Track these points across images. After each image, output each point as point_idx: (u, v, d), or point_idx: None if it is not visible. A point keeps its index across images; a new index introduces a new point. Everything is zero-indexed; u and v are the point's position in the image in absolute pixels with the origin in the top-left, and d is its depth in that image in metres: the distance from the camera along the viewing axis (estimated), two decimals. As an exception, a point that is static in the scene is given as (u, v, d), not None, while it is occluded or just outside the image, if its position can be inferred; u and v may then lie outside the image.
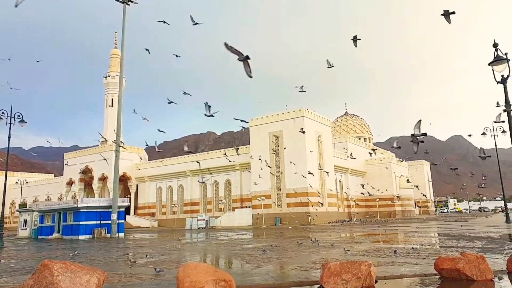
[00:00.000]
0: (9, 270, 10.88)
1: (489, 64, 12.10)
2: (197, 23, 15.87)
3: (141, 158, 60.28)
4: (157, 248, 18.06)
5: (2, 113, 22.90)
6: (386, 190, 63.23)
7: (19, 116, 23.75)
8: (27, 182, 77.47)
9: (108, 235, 31.94)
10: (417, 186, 56.54)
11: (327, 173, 50.07)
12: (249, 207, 51.82)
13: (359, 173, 66.65)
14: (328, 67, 16.26)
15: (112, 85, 69.48)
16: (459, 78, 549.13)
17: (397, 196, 58.15)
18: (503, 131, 30.49)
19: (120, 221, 33.57)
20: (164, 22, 23.11)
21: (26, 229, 38.18)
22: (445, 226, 29.34)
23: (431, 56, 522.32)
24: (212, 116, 15.46)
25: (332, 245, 15.89)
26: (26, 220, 38.50)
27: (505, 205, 37.66)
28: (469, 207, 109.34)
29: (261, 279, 7.93)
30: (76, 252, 16.57)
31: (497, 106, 15.32)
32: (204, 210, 58.14)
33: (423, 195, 69.59)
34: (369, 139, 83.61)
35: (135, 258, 13.35)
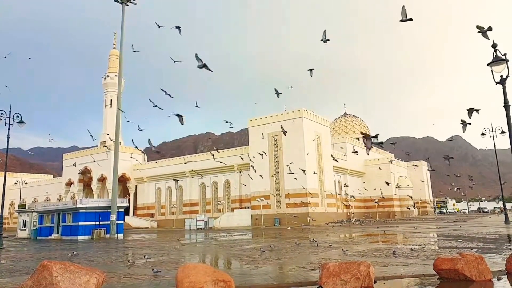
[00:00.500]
0: (8, 271, 10.87)
1: (488, 65, 12.11)
2: (204, 65, 15.76)
3: (132, 157, 59.83)
4: (156, 248, 18.06)
5: (1, 113, 22.90)
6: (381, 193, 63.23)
7: (18, 116, 23.75)
8: (26, 183, 77.38)
9: (107, 235, 31.92)
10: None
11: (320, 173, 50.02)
12: (248, 207, 51.83)
13: (358, 174, 66.70)
14: (322, 40, 16.21)
15: (111, 85, 69.40)
16: (459, 79, 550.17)
17: (377, 202, 58.23)
18: (502, 132, 30.57)
19: (119, 222, 33.57)
20: (159, 26, 23.18)
21: (25, 229, 38.16)
22: (444, 227, 29.39)
23: (431, 57, 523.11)
24: (206, 67, 15.12)
25: (330, 245, 15.91)
26: (25, 220, 38.49)
27: (504, 205, 37.76)
28: (468, 207, 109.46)
29: (260, 280, 7.94)
30: (74, 252, 16.56)
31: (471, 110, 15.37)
32: (203, 211, 58.12)
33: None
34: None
35: (134, 258, 13.35)
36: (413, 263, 9.78)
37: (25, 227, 38.33)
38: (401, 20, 13.11)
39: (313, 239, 19.25)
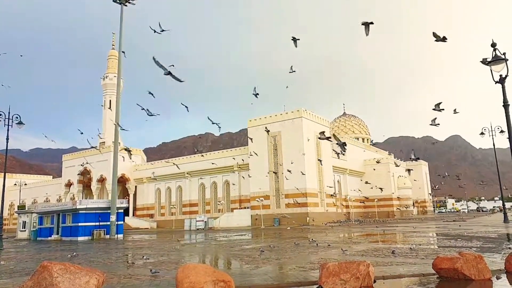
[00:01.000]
0: (8, 272, 10.88)
1: (487, 64, 12.13)
2: (168, 73, 16.24)
3: (123, 157, 59.62)
4: (156, 249, 18.07)
5: (0, 114, 22.89)
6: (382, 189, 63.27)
7: (17, 117, 23.74)
8: (25, 184, 77.28)
9: (107, 236, 31.90)
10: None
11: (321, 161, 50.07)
12: (247, 207, 51.82)
13: (358, 174, 66.73)
14: (290, 72, 16.54)
15: (110, 86, 69.33)
16: (458, 79, 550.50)
17: (363, 201, 58.40)
18: (501, 131, 30.62)
19: (119, 223, 33.55)
20: (155, 31, 23.34)
21: (25, 230, 38.13)
22: (443, 226, 29.41)
23: (430, 57, 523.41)
24: (172, 75, 15.42)
25: (328, 245, 15.92)
26: (25, 221, 38.46)
27: (503, 205, 37.79)
28: (467, 207, 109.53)
29: (260, 280, 7.95)
30: (74, 253, 16.56)
31: (434, 109, 15.43)
32: (203, 211, 58.10)
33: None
34: (367, 139, 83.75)
35: (134, 259, 13.36)
36: (413, 262, 9.80)
37: (25, 228, 38.30)
38: (363, 24, 13.30)
39: (312, 239, 19.27)
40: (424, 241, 17.30)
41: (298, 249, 14.77)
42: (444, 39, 12.68)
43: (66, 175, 70.31)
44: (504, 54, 12.02)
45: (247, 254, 13.76)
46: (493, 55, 12.04)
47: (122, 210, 35.14)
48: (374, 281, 7.00)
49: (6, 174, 25.72)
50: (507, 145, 11.96)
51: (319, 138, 25.24)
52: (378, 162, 55.76)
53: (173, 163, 62.37)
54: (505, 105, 12.09)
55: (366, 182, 58.80)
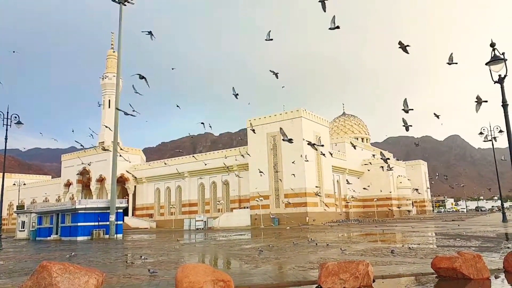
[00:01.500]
0: (7, 272, 10.87)
1: (486, 64, 12.15)
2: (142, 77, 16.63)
3: (119, 155, 59.38)
4: (155, 249, 18.07)
5: (-1, 114, 22.87)
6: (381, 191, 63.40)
7: (15, 117, 23.72)
8: (24, 184, 77.20)
9: (107, 236, 31.89)
10: (416, 190, 56.70)
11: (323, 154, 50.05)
12: (247, 207, 51.84)
13: (357, 174, 66.79)
14: (272, 73, 16.47)
15: (109, 86, 69.27)
16: (457, 79, 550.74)
17: (347, 202, 58.63)
18: (500, 131, 30.62)
19: (118, 222, 33.53)
20: (152, 35, 23.45)
21: (24, 230, 38.10)
22: (442, 226, 29.45)
23: (430, 56, 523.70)
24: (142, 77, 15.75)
25: (327, 244, 15.94)
26: (24, 221, 38.42)
27: (502, 204, 37.85)
28: (466, 206, 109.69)
29: (259, 279, 7.96)
30: (73, 253, 16.55)
31: (403, 109, 15.41)
32: (202, 211, 58.11)
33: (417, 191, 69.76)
34: (366, 139, 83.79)
35: (133, 259, 13.36)
36: (412, 262, 9.82)
37: (24, 228, 38.27)
38: (329, 28, 13.36)
39: (310, 238, 19.29)
40: (423, 240, 17.33)
41: (297, 248, 14.78)
42: (406, 47, 12.81)
43: (65, 175, 70.25)
44: (503, 54, 12.04)
45: (247, 253, 13.77)
46: (492, 55, 12.06)
47: (121, 210, 35.12)
48: (373, 281, 7.02)
49: (5, 174, 25.69)
50: (506, 144, 11.98)
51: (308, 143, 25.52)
52: (374, 155, 55.37)
53: (168, 164, 62.47)
54: (504, 105, 12.11)
55: (367, 186, 58.75)
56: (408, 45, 12.77)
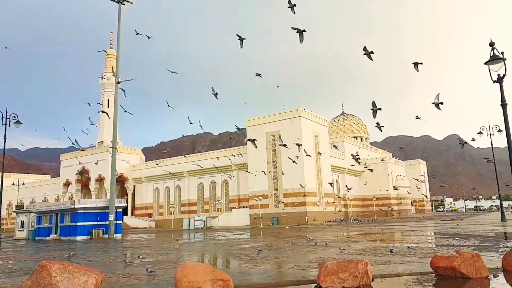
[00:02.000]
0: (7, 271, 10.86)
1: (485, 63, 12.16)
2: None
3: (112, 155, 59.09)
4: (155, 248, 18.07)
5: (-2, 114, 22.84)
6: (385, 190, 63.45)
7: (14, 117, 23.70)
8: (23, 184, 77.12)
9: (106, 235, 31.88)
10: (417, 180, 56.79)
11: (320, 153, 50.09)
12: (246, 207, 51.85)
13: (356, 173, 66.82)
14: (257, 75, 16.39)
15: (108, 85, 69.19)
16: (457, 78, 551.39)
17: (346, 202, 58.57)
18: (499, 130, 30.67)
19: (118, 222, 33.52)
20: (148, 37, 23.58)
21: (23, 230, 38.07)
22: (441, 225, 29.50)
23: (428, 56, 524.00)
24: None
25: (326, 244, 15.96)
26: (23, 221, 38.39)
27: (501, 203, 37.92)
28: (465, 206, 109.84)
29: (258, 279, 7.97)
30: (72, 253, 16.55)
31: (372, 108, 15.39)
32: (202, 211, 58.10)
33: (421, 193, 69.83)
34: (366, 138, 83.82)
35: (132, 258, 13.37)
36: (411, 261, 9.84)
37: (23, 227, 38.23)
38: (293, 28, 13.46)
39: (309, 238, 19.31)
40: (422, 240, 17.36)
41: (296, 248, 14.80)
42: (370, 53, 12.91)
43: (64, 174, 70.18)
44: (502, 53, 12.05)
45: (246, 253, 13.78)
46: (492, 55, 12.08)
47: (120, 210, 35.11)
48: (372, 280, 7.03)
49: (4, 173, 25.66)
50: (505, 144, 12.00)
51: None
52: (368, 154, 55.84)
53: (167, 163, 62.47)
54: (503, 104, 12.14)
55: (366, 185, 58.86)
56: (372, 52, 12.90)
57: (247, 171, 48.17)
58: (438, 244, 14.67)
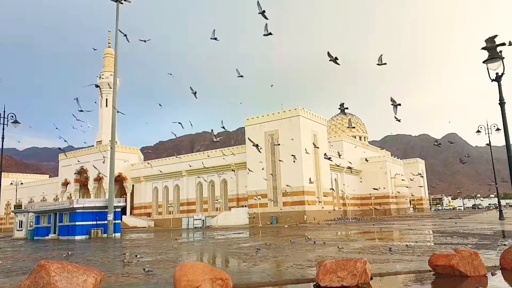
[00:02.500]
0: (5, 271, 10.85)
1: (484, 62, 12.18)
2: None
3: (109, 157, 58.32)
4: (154, 247, 18.07)
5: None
6: (384, 188, 63.51)
7: (12, 116, 23.65)
8: (22, 183, 77.03)
9: (105, 235, 31.88)
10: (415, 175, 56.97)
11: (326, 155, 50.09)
12: (245, 206, 51.89)
13: (355, 172, 66.92)
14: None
15: (106, 85, 69.10)
16: (455, 77, 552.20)
17: (344, 201, 58.42)
18: (497, 129, 30.76)
19: (117, 221, 33.52)
20: (145, 41, 23.67)
21: (21, 230, 38.00)
22: (439, 224, 29.56)
23: (427, 56, 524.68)
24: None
25: (325, 243, 15.97)
26: (21, 221, 38.33)
27: (499, 202, 38.01)
28: (464, 204, 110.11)
29: (257, 277, 7.98)
30: (70, 253, 16.54)
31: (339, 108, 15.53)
32: (201, 210, 58.12)
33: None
34: (364, 137, 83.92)
35: (131, 258, 13.35)
36: (409, 259, 9.87)
37: (21, 227, 38.17)
38: (329, 57, 13.57)
39: (308, 237, 19.34)
40: (421, 238, 17.40)
41: (295, 246, 14.82)
42: (336, 59, 13.03)
43: (63, 174, 70.10)
44: (500, 52, 12.07)
45: (245, 252, 13.80)
46: (490, 53, 12.09)
47: (119, 209, 35.08)
48: (371, 278, 7.05)
49: (2, 173, 25.62)
50: (503, 142, 12.04)
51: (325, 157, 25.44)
52: (364, 152, 55.70)
53: (166, 163, 62.37)
54: (501, 103, 12.16)
55: (361, 181, 58.95)
56: (336, 58, 13.05)
57: (250, 170, 47.96)
58: (437, 243, 14.71)
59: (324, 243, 15.98)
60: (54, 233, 33.82)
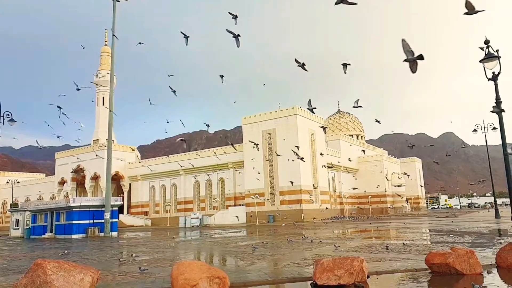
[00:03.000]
0: (2, 270, 10.81)
1: (480, 61, 12.22)
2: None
3: (107, 158, 58.17)
4: (151, 246, 18.05)
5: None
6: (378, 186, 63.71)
7: (8, 115, 23.51)
8: (18, 182, 76.66)
9: (102, 234, 31.80)
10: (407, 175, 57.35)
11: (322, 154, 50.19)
12: (242, 205, 51.90)
13: (352, 171, 67.06)
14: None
15: (103, 83, 68.85)
16: (452, 76, 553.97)
17: (341, 199, 58.46)
18: (494, 128, 30.87)
19: (114, 220, 33.42)
20: (140, 43, 23.72)
21: (18, 228, 37.85)
22: (436, 222, 29.69)
23: (424, 55, 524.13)
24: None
25: (321, 241, 16.01)
26: (18, 220, 38.16)
27: (495, 201, 38.19)
28: (460, 203, 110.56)
29: (255, 276, 8.00)
30: (66, 251, 16.49)
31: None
32: (198, 209, 58.08)
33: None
34: (361, 136, 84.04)
35: (128, 257, 13.33)
36: (406, 258, 9.91)
37: (18, 226, 38.01)
38: (228, 31, 13.81)
39: (304, 235, 19.38)
40: (417, 237, 17.46)
41: (292, 245, 14.84)
42: (303, 65, 13.22)
43: (59, 173, 69.83)
44: (497, 51, 12.12)
45: (242, 250, 13.81)
46: (486, 53, 12.14)
47: (116, 208, 35.00)
48: (368, 277, 7.07)
49: (-1, 172, 25.49)
50: (499, 141, 12.09)
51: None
52: (363, 151, 55.73)
53: (163, 161, 62.23)
54: (498, 102, 12.22)
55: (354, 178, 59.09)
56: (304, 64, 13.28)
57: (253, 167, 47.72)
58: (433, 241, 14.77)
59: (321, 241, 16.01)
60: (51, 232, 33.71)
